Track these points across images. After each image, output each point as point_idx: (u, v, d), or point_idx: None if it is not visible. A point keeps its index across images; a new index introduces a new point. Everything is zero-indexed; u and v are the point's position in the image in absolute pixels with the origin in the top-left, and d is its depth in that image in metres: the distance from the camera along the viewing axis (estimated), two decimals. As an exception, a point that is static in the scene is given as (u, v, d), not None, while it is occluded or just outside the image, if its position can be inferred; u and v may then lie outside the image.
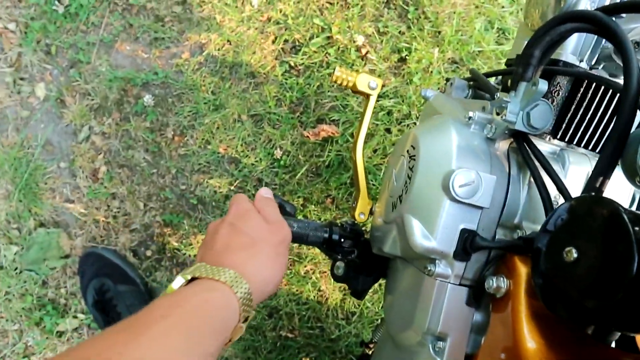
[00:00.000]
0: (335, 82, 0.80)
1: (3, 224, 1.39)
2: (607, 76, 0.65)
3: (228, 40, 1.25)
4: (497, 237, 0.60)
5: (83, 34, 1.36)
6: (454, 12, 1.17)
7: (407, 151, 0.66)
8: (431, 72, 1.16)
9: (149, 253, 1.32)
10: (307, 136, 1.16)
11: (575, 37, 0.63)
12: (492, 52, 1.17)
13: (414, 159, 0.63)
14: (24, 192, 1.39)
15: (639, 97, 0.49)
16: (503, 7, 1.20)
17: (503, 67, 0.76)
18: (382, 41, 1.18)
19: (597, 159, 0.63)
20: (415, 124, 1.14)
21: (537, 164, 0.59)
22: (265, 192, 0.66)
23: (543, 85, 0.55)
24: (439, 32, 1.17)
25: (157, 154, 1.31)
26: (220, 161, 1.25)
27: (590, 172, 0.59)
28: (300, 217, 1.19)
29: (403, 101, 1.16)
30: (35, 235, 1.39)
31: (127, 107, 1.33)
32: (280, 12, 1.22)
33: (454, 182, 0.57)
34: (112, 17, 1.34)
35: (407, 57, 1.17)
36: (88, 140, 1.37)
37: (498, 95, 0.59)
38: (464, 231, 0.58)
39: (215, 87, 1.25)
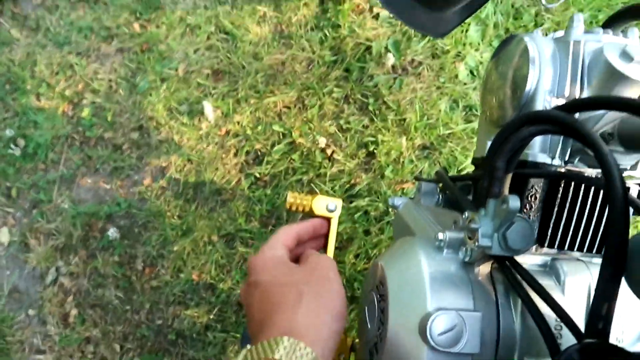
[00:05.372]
0: (290, 209, 0.71)
1: (-32, 392, 1.26)
2: (586, 169, 0.57)
3: (189, 160, 1.19)
4: (496, 383, 0.49)
5: (43, 172, 1.31)
6: (416, 97, 1.13)
7: (377, 287, 0.56)
8: (403, 162, 1.10)
9: (129, 402, 1.19)
10: (283, 250, 1.07)
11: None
12: (462, 132, 1.11)
13: (384, 299, 0.53)
14: (-10, 350, 1.27)
15: (627, 203, 0.40)
16: (465, 84, 1.16)
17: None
18: (346, 138, 1.13)
19: (595, 262, 0.54)
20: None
21: (526, 287, 0.49)
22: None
23: (515, 202, 0.47)
24: (404, 120, 1.12)
25: (129, 289, 1.21)
26: (196, 289, 1.15)
27: (592, 284, 0.50)
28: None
29: (378, 198, 1.08)
30: (4, 400, 1.26)
31: (94, 242, 1.25)
32: (238, 123, 1.17)
33: (432, 329, 0.47)
34: (70, 151, 1.29)
35: (375, 150, 1.11)
36: (56, 283, 1.28)
37: (467, 214, 0.51)
38: (454, 385, 0.48)
39: (181, 210, 1.18)
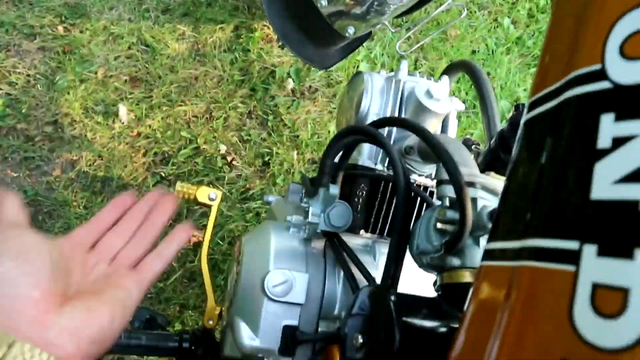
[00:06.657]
0: (177, 196, 0.85)
1: None
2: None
3: (99, 156, 1.29)
4: (320, 329, 0.65)
5: (-52, 157, 1.33)
6: (309, 118, 1.31)
7: (237, 258, 0.71)
8: (293, 173, 1.27)
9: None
10: (179, 242, 1.19)
11: (368, 145, 0.75)
12: (347, 151, 1.31)
13: (240, 264, 0.68)
14: None
15: (410, 192, 0.58)
16: (354, 111, 1.36)
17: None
18: (245, 148, 1.28)
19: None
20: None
21: (346, 258, 0.66)
22: None
23: (334, 190, 0.64)
24: (297, 136, 1.30)
25: (27, 274, 1.26)
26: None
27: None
28: (177, 324, 1.18)
29: (269, 201, 1.24)
30: None
31: (-5, 228, 1.29)
32: (149, 127, 1.29)
33: (269, 282, 0.62)
34: (-21, 139, 1.33)
35: (270, 161, 1.27)
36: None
37: (305, 199, 0.68)
38: (285, 328, 0.63)
39: (87, 201, 1.26)
